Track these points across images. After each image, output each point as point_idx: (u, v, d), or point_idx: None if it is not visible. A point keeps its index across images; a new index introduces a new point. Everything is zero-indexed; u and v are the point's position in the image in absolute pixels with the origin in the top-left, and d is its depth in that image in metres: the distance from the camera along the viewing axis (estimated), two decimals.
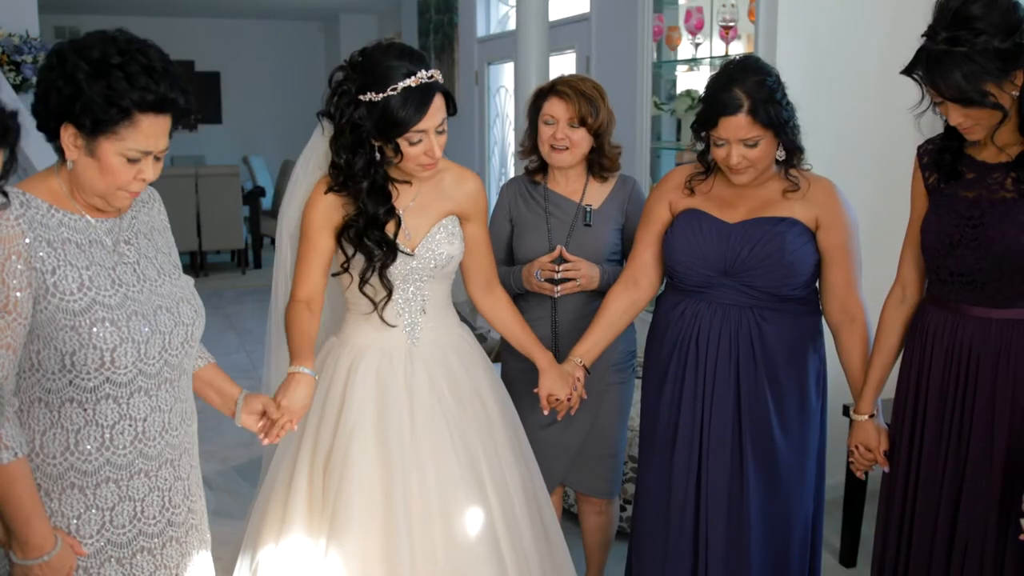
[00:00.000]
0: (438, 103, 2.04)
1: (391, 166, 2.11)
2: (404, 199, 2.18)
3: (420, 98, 2.01)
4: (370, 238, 2.11)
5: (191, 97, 1.62)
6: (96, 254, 1.63)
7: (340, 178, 2.10)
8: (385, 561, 2.06)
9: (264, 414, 1.95)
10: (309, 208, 2.14)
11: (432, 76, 2.03)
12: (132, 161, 1.58)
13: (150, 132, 1.57)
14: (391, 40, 2.12)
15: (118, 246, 1.68)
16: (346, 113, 2.05)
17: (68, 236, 1.60)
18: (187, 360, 1.76)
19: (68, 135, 1.55)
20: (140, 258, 1.71)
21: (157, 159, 1.62)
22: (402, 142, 2.04)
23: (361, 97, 2.02)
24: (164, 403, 1.71)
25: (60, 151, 1.59)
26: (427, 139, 2.05)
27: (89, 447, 1.63)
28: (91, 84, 1.51)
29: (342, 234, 2.13)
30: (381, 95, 2.00)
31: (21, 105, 1.47)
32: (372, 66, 2.03)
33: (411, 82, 2.00)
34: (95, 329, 1.58)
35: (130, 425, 1.66)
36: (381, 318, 2.17)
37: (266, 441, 1.96)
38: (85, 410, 1.62)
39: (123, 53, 1.54)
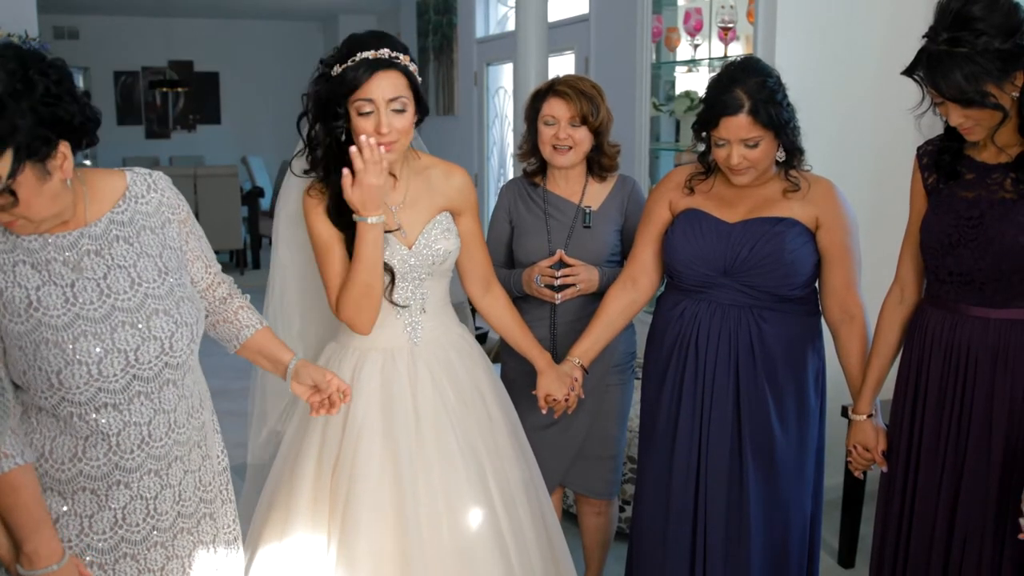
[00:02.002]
0: (393, 77, 2.03)
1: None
2: (395, 196, 2.17)
3: (372, 65, 2.01)
4: (342, 217, 2.08)
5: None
6: (54, 271, 1.61)
7: (310, 156, 2.10)
8: (398, 561, 2.06)
9: (316, 388, 1.95)
10: (311, 220, 2.13)
11: (397, 56, 2.03)
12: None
13: None
14: (382, 31, 2.13)
15: (82, 260, 1.64)
16: (315, 86, 2.08)
17: (22, 258, 1.59)
18: (168, 371, 1.70)
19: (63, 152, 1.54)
20: (110, 269, 1.65)
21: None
22: (352, 112, 2.04)
23: (329, 71, 2.06)
24: (140, 416, 1.67)
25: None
26: (377, 113, 2.03)
27: (62, 456, 1.62)
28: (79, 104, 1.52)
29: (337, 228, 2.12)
30: (341, 66, 2.03)
31: None
32: (347, 43, 2.06)
33: (369, 54, 2.01)
34: (39, 351, 1.57)
35: (102, 439, 1.63)
36: (390, 300, 2.15)
37: (313, 414, 1.99)
38: (58, 421, 1.62)
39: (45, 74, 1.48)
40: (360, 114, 2.03)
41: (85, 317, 1.60)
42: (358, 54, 2.01)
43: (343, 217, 2.08)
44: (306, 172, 2.13)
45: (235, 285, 1.97)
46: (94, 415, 1.62)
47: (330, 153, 2.08)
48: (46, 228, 1.59)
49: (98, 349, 1.60)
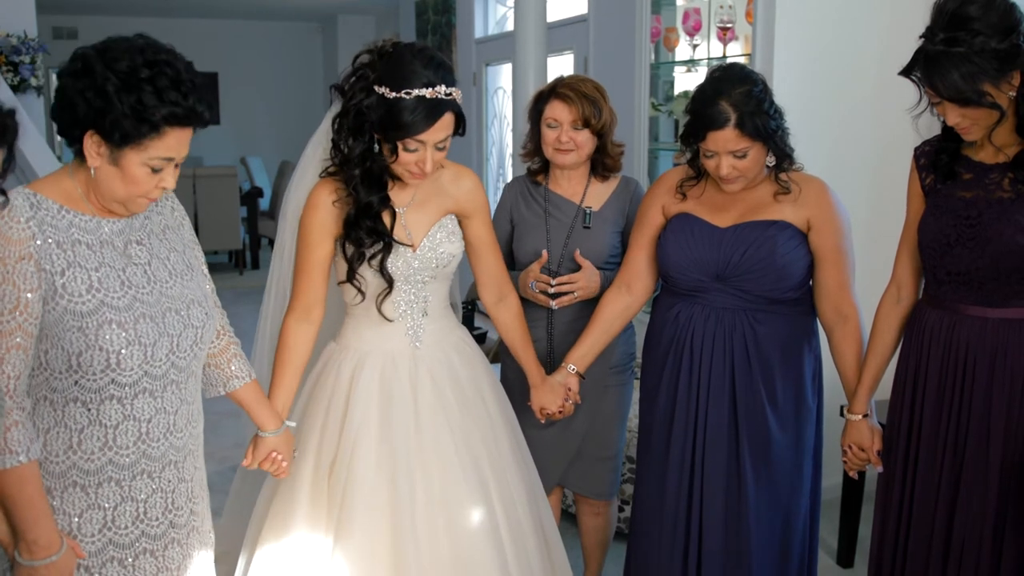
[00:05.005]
0: (446, 120, 2.03)
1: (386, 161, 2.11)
2: (403, 197, 2.17)
3: (429, 110, 1.99)
4: (361, 226, 2.10)
5: (214, 108, 1.63)
6: (107, 255, 1.64)
7: (337, 159, 2.11)
8: (392, 565, 2.06)
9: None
10: (307, 214, 2.13)
11: (451, 95, 2.01)
12: (155, 171, 1.60)
13: (174, 143, 1.59)
14: (427, 45, 2.12)
15: (129, 247, 1.68)
16: (357, 96, 2.05)
17: (78, 237, 1.61)
18: (195, 362, 1.76)
19: (92, 143, 1.56)
20: (152, 259, 1.71)
21: (177, 166, 1.64)
22: (399, 145, 2.04)
23: (376, 87, 2.02)
24: (170, 405, 1.71)
25: (79, 152, 1.59)
26: (423, 151, 2.04)
27: (92, 446, 1.64)
28: (121, 98, 1.52)
29: (346, 236, 2.12)
30: (394, 94, 1.99)
31: (18, 103, 1.46)
32: (398, 62, 2.02)
33: (427, 93, 1.98)
34: (102, 331, 1.59)
35: (134, 426, 1.66)
36: (379, 311, 2.16)
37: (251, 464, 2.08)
38: (89, 410, 1.63)
39: (151, 65, 1.54)
40: (407, 150, 2.04)
41: (141, 300, 1.65)
42: (415, 89, 1.98)
43: (357, 229, 2.09)
44: (331, 174, 2.13)
45: (226, 317, 1.98)
46: (132, 400, 1.65)
47: (364, 169, 2.09)
48: (137, 208, 1.66)
49: (154, 332, 1.64)
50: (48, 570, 1.57)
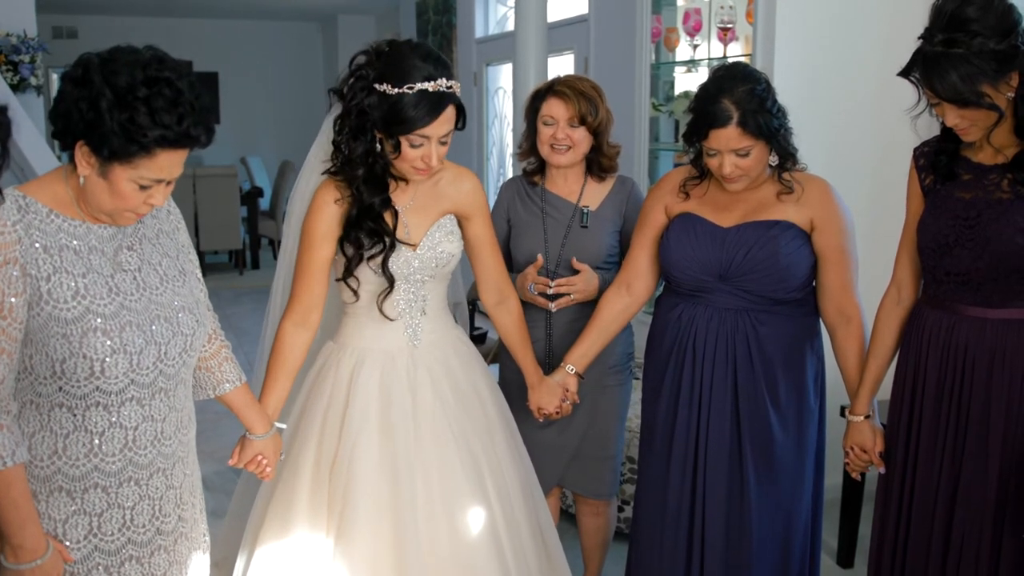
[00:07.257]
0: (449, 114, 2.04)
1: (389, 161, 2.11)
2: (403, 198, 2.18)
3: (433, 104, 2.00)
4: (362, 227, 2.10)
5: (213, 130, 1.59)
6: (95, 261, 1.62)
7: (339, 160, 2.11)
8: (395, 562, 2.06)
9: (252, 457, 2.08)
10: (311, 215, 2.14)
11: (451, 87, 2.03)
12: (143, 188, 1.57)
13: (166, 164, 1.56)
14: (422, 41, 2.13)
15: (119, 253, 1.66)
16: (358, 97, 2.04)
17: (66, 242, 1.59)
18: (184, 370, 1.74)
19: (82, 153, 1.54)
20: (142, 265, 1.69)
21: (168, 184, 1.61)
22: (403, 141, 2.04)
23: (376, 86, 2.02)
24: (157, 412, 1.69)
25: (72, 157, 1.57)
26: (428, 146, 2.04)
27: (77, 452, 1.62)
28: (113, 115, 1.48)
29: (346, 236, 2.12)
30: (396, 90, 2.00)
31: (13, 98, 1.46)
32: (396, 59, 2.03)
33: (429, 86, 2.00)
34: (86, 338, 1.57)
35: (120, 433, 1.65)
36: (380, 310, 2.16)
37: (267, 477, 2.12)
38: (75, 415, 1.61)
39: (150, 83, 1.50)
40: (412, 146, 2.04)
41: (128, 308, 1.63)
42: (416, 83, 1.99)
43: (358, 230, 2.10)
44: (333, 174, 2.13)
45: (217, 320, 1.98)
46: (119, 407, 1.63)
47: (367, 169, 2.09)
48: (123, 222, 1.64)
49: (140, 340, 1.62)
50: (34, 574, 1.56)
